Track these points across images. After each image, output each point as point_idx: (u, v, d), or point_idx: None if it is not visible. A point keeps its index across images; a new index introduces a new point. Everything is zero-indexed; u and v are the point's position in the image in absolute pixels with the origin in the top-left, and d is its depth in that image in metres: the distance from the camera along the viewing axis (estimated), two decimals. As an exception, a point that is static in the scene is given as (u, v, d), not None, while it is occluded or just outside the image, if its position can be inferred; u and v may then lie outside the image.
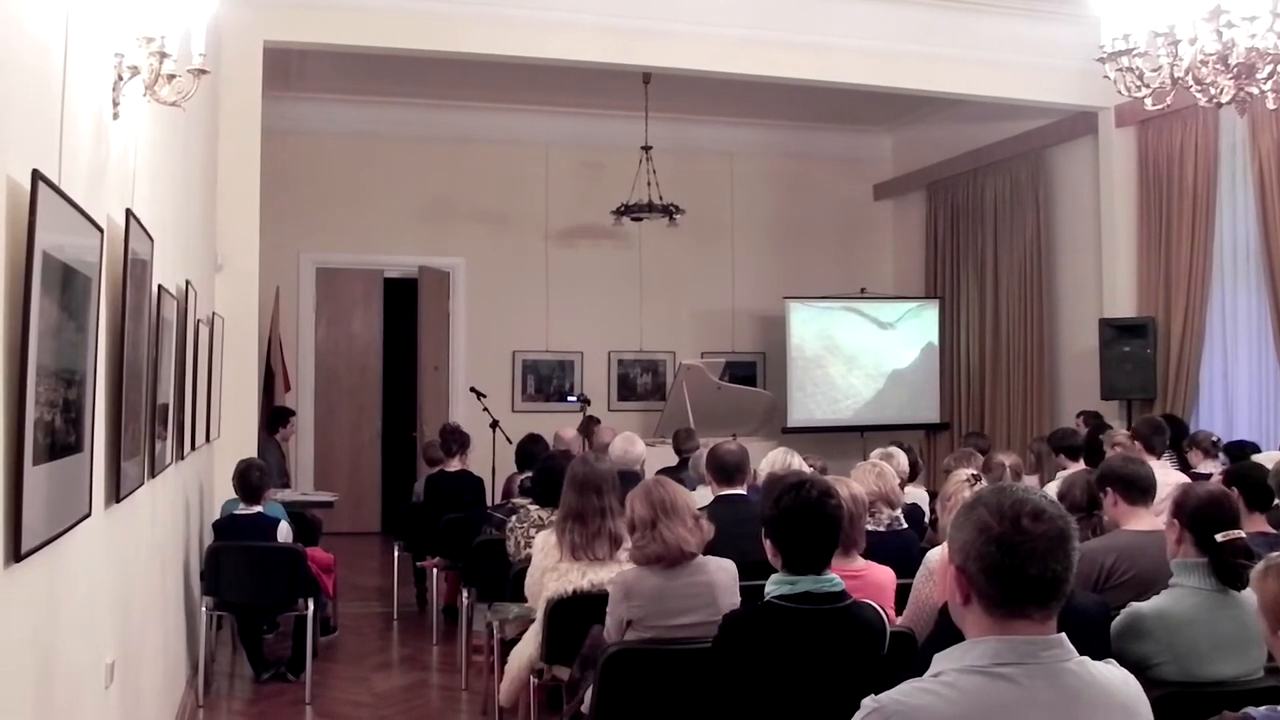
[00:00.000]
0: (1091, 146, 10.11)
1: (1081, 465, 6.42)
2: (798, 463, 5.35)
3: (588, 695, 3.78)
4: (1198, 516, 3.34)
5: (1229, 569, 3.25)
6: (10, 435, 2.31)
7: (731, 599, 3.84)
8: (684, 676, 3.57)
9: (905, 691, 1.86)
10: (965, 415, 11.98)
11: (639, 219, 11.03)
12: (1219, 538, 3.27)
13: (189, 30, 3.68)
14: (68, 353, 2.73)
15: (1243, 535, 3.34)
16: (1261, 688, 3.06)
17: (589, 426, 9.50)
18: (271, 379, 10.69)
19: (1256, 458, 6.08)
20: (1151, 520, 4.10)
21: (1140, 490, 4.16)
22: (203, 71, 3.68)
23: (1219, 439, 7.58)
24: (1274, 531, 4.27)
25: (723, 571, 3.89)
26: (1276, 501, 4.43)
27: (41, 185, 2.38)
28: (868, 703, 1.87)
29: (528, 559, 4.74)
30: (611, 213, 11.06)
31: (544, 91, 11.09)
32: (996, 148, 11.46)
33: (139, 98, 3.49)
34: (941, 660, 1.89)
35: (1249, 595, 2.74)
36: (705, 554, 3.90)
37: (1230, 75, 4.15)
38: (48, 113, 2.66)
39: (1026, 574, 1.84)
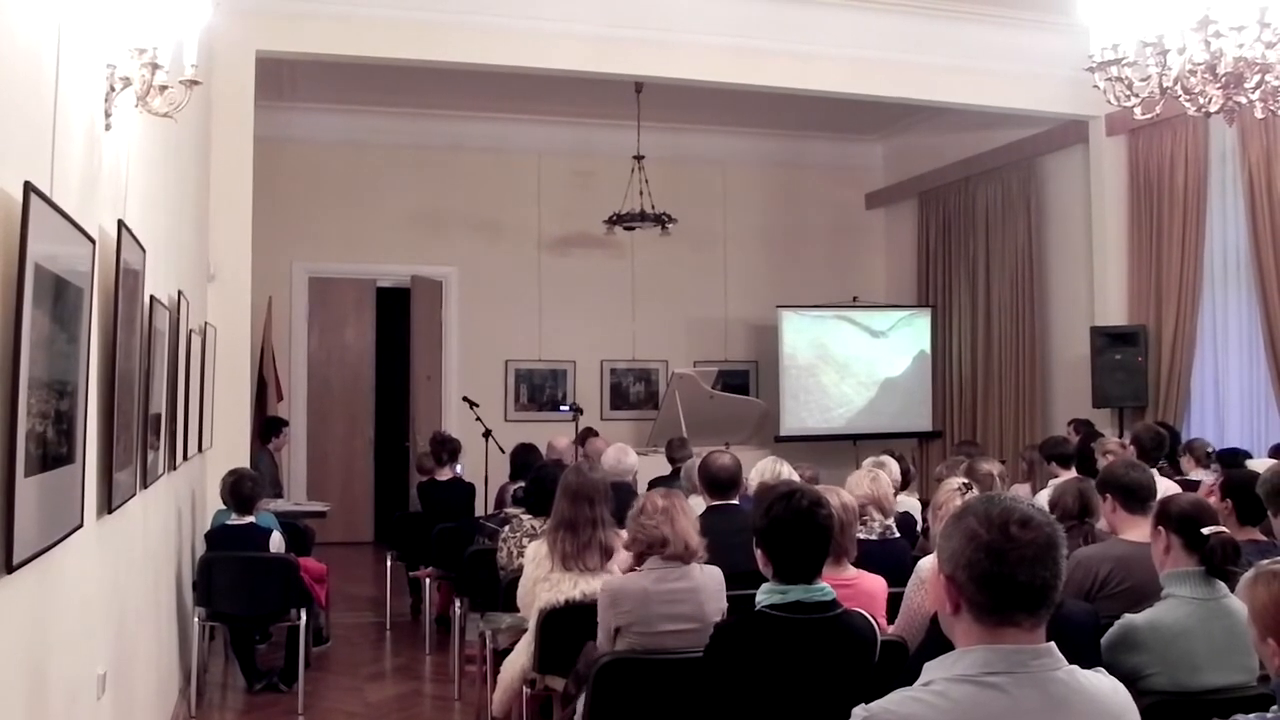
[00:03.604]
0: (1082, 155, 10.14)
1: (1073, 473, 6.42)
2: (787, 471, 5.37)
3: (579, 705, 3.78)
4: (1184, 520, 3.37)
5: (1221, 571, 3.27)
6: (2, 447, 2.31)
7: (718, 604, 3.86)
8: (676, 686, 3.57)
9: (895, 700, 1.87)
10: (957, 423, 11.99)
11: (631, 228, 11.04)
12: (1206, 531, 3.30)
13: (181, 41, 3.70)
14: (59, 364, 2.73)
15: (1226, 530, 3.37)
16: (1252, 695, 3.06)
17: (585, 437, 9.49)
18: (264, 389, 10.67)
19: (1248, 464, 6.09)
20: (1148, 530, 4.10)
21: (1139, 500, 4.11)
22: (195, 82, 3.69)
23: (1213, 448, 7.60)
24: (1265, 539, 4.28)
25: (709, 577, 3.92)
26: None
27: (33, 197, 2.38)
28: (858, 712, 1.88)
29: (520, 569, 4.74)
30: (604, 222, 11.08)
31: (536, 100, 11.10)
32: (988, 156, 11.49)
33: (131, 108, 3.50)
34: (932, 669, 1.90)
35: (1241, 604, 2.75)
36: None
37: (1219, 85, 4.17)
38: (40, 124, 2.66)
39: (1015, 581, 1.85)
